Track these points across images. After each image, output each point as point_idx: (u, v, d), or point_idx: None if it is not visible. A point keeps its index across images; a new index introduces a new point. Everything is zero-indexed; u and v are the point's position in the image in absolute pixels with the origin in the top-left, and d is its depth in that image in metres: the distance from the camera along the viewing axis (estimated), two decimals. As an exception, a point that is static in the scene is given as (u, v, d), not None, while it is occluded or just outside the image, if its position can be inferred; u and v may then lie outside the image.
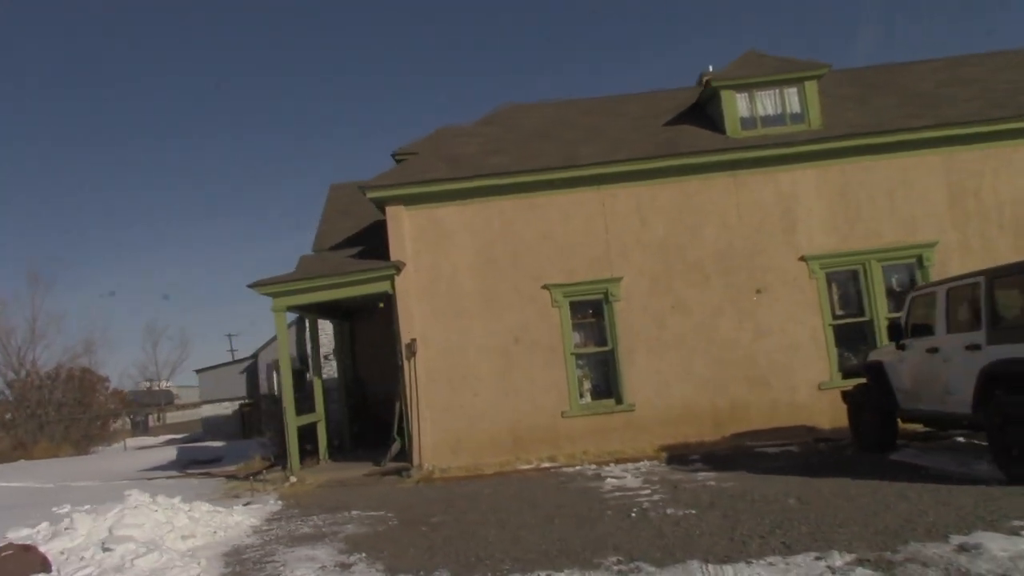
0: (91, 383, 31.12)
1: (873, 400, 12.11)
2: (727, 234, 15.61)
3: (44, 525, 10.43)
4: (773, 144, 15.56)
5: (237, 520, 10.62)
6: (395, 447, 15.62)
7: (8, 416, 28.89)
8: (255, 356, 35.84)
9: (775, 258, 15.56)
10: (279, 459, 19.29)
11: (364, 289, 15.72)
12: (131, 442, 34.60)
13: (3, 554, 8.07)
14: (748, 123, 15.96)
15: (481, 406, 15.34)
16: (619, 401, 15.43)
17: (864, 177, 15.65)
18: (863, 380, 12.68)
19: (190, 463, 23.04)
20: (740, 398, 15.32)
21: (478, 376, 15.41)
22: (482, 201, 15.67)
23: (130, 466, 23.25)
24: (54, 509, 12.03)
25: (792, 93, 15.94)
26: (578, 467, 13.78)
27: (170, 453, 25.59)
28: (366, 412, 20.80)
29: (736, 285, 15.52)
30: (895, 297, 15.52)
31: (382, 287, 15.63)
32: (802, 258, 15.53)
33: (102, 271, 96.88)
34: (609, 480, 12.06)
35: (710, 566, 6.79)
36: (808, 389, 15.34)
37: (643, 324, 15.47)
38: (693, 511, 9.12)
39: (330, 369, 32.34)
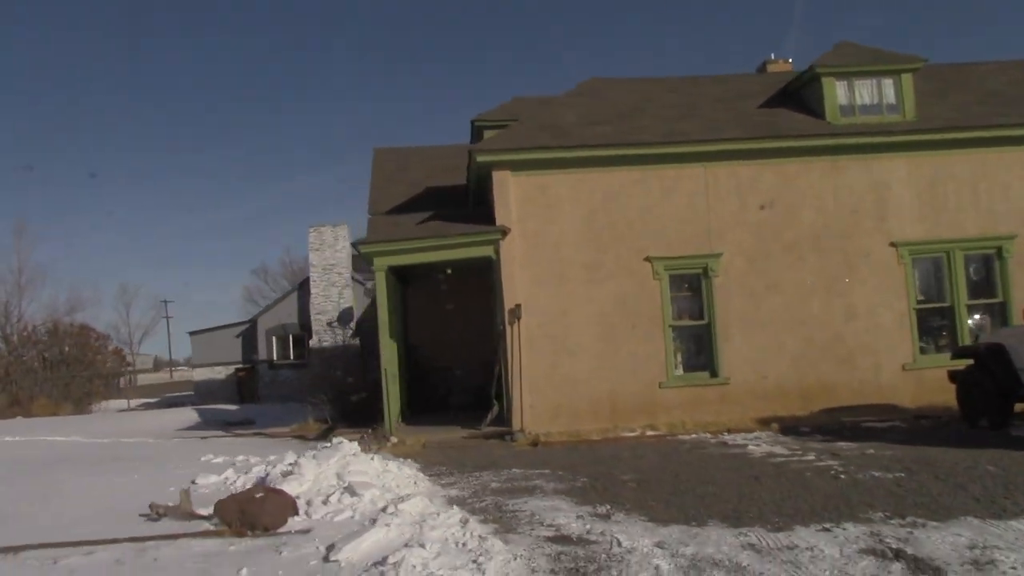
0: (89, 340, 30.06)
1: (991, 379, 12.69)
2: (823, 217, 16.08)
3: (230, 472, 10.28)
4: (872, 132, 16.08)
5: (409, 473, 10.57)
6: (494, 411, 15.66)
7: (5, 374, 27.68)
8: (253, 321, 35.14)
9: (867, 243, 16.11)
10: (337, 421, 19.14)
11: (467, 252, 15.69)
12: (114, 404, 33.64)
13: (258, 495, 7.95)
14: (847, 111, 16.44)
15: (581, 373, 15.52)
16: (713, 374, 15.79)
17: (951, 169, 16.30)
18: (966, 360, 13.27)
19: (224, 424, 22.59)
20: (828, 376, 15.85)
21: (579, 343, 15.57)
22: (586, 171, 15.78)
23: (159, 425, 22.69)
24: (203, 458, 11.79)
25: (888, 84, 16.46)
26: (692, 435, 14.11)
27: (188, 415, 25.00)
28: (420, 379, 20.67)
29: (828, 267, 16.02)
30: (973, 285, 16.25)
31: (485, 251, 15.63)
32: (892, 244, 16.12)
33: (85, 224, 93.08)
34: (750, 447, 12.40)
35: (987, 522, 7.13)
36: (892, 369, 15.96)
37: (739, 300, 15.85)
38: (893, 474, 9.49)
39: (333, 336, 32.11)
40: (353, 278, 33.15)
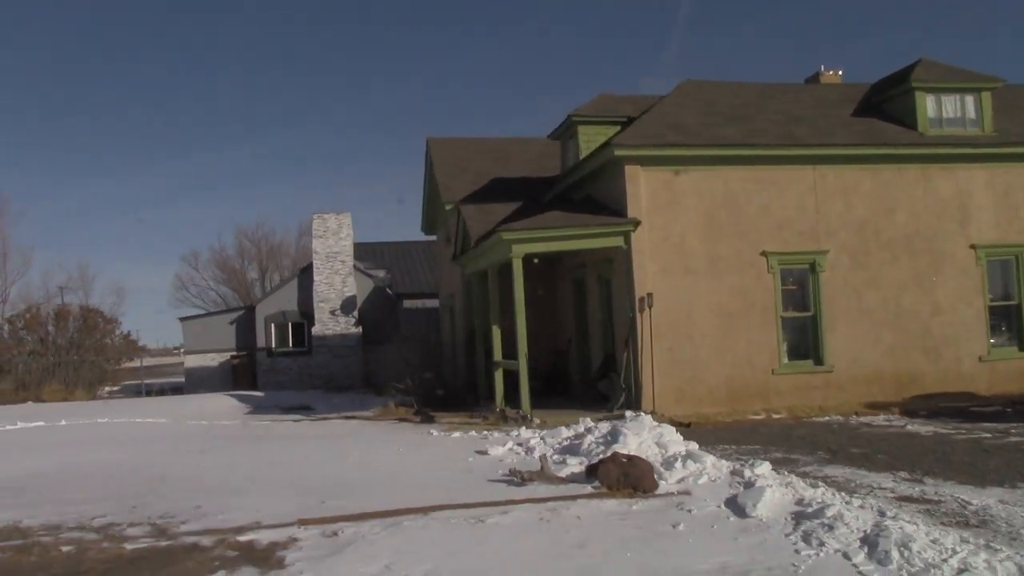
0: (97, 324, 28.83)
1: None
2: (914, 220, 17.51)
3: (500, 449, 10.70)
4: (957, 143, 17.61)
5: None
6: (623, 395, 16.36)
7: (7, 356, 26.26)
8: (251, 308, 34.42)
9: (950, 244, 17.63)
10: (424, 406, 19.38)
11: (599, 242, 16.35)
12: (110, 389, 32.27)
13: (623, 460, 8.52)
14: (935, 123, 17.91)
15: (702, 359, 16.43)
16: (818, 362, 16.98)
17: (1023, 180, 18.03)
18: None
19: (281, 410, 22.38)
20: (917, 365, 17.29)
21: (701, 331, 16.47)
22: (709, 169, 16.69)
23: (211, 410, 22.31)
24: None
25: (970, 100, 18.03)
26: (824, 418, 15.30)
27: (225, 401, 24.54)
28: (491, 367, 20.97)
29: (918, 266, 17.46)
30: (1036, 286, 18.04)
31: (615, 242, 16.33)
32: (972, 246, 17.70)
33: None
34: (908, 428, 13.62)
35: None
36: (971, 360, 17.54)
37: (843, 294, 17.10)
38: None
39: (336, 324, 32.03)
40: (356, 267, 33.05)
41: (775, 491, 7.97)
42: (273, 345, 33.04)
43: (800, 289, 17.17)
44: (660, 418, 15.21)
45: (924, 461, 10.30)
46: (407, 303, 31.87)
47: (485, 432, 14.11)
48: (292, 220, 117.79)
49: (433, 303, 31.52)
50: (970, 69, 18.48)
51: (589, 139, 19.39)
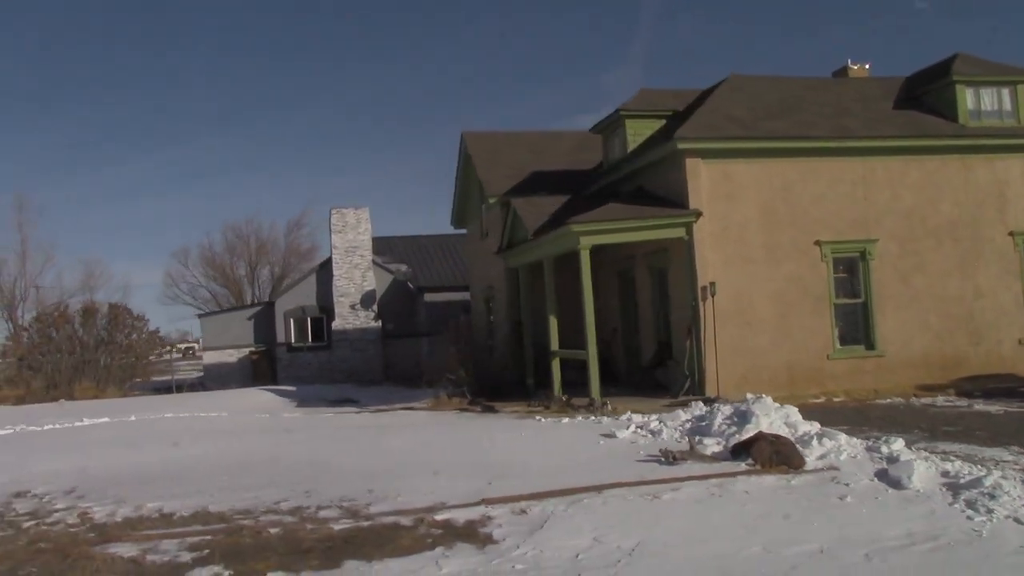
0: (125, 321, 28.74)
1: None
2: (956, 209, 18.18)
3: (626, 432, 11.14)
4: (996, 135, 18.30)
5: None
6: (688, 382, 16.86)
7: (37, 355, 26.11)
8: (269, 303, 34.51)
9: (990, 232, 18.33)
10: (479, 396, 19.73)
11: (661, 233, 16.83)
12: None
13: (768, 438, 9.00)
14: (974, 115, 18.59)
15: (762, 345, 16.99)
16: (870, 347, 17.61)
17: (1057, 169, 18.77)
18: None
19: (326, 403, 22.64)
20: (961, 348, 17.99)
21: (760, 318, 17.03)
22: (765, 161, 17.24)
23: (254, 404, 22.53)
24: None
25: (1006, 93, 18.73)
26: (886, 400, 15.96)
27: (263, 396, 24.71)
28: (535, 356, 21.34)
29: (961, 252, 18.14)
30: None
31: (677, 233, 16.81)
32: (1010, 233, 18.41)
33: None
34: (976, 407, 14.26)
35: None
36: (1011, 343, 18.27)
37: (892, 281, 17.74)
38: None
39: (355, 319, 32.28)
40: (374, 261, 33.28)
41: (921, 464, 8.48)
42: (292, 340, 33.18)
43: (850, 276, 17.78)
44: (727, 401, 15.79)
45: (1021, 437, 10.90)
46: (428, 296, 32.15)
47: (579, 418, 14.50)
48: (280, 216, 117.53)
49: (454, 296, 31.86)
50: (1006, 64, 19.18)
51: (636, 133, 19.83)
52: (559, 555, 6.68)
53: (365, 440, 12.81)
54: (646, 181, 18.62)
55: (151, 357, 31.36)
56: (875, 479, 8.39)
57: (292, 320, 33.36)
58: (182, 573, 6.60)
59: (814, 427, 9.93)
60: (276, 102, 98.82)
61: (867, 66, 23.14)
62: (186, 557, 6.95)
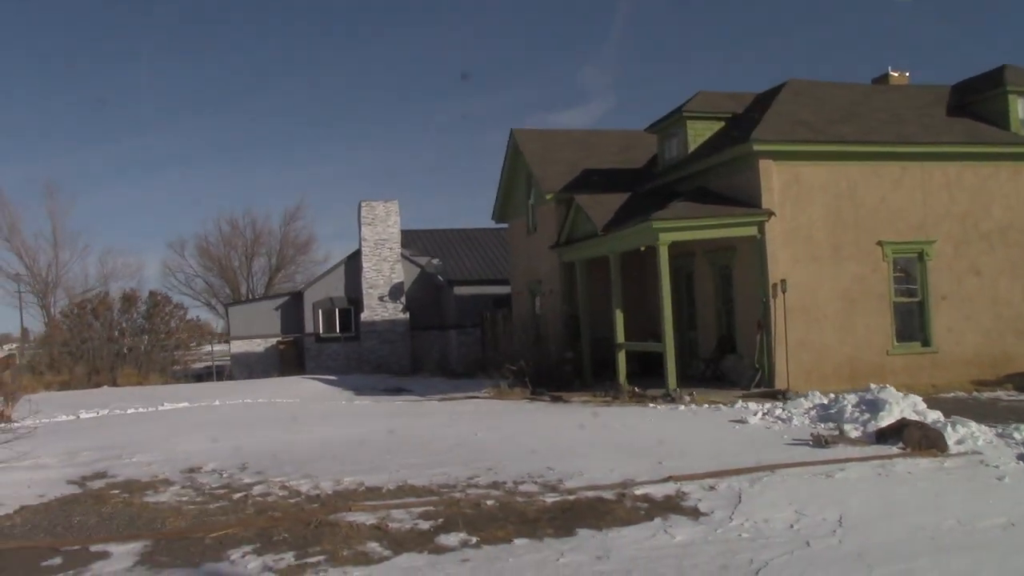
0: (164, 309, 28.91)
1: None
2: (1009, 213, 19.02)
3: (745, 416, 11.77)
4: (1047, 143, 19.18)
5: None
6: (759, 375, 17.53)
7: (78, 341, 26.22)
8: (297, 294, 34.76)
9: (1038, 236, 19.21)
10: (541, 386, 20.22)
11: (735, 231, 17.49)
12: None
13: (914, 424, 9.66)
14: (1023, 123, 19.45)
15: (827, 341, 17.71)
16: (925, 344, 18.40)
17: (1099, 177, 19.65)
18: None
19: (381, 391, 23.09)
20: (1010, 347, 18.83)
21: (825, 315, 17.74)
22: (832, 164, 17.94)
23: (310, 393, 22.93)
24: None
25: (1054, 103, 19.57)
26: (950, 394, 16.70)
27: (309, 385, 25.08)
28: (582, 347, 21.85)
29: (1012, 255, 18.97)
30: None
31: (749, 231, 17.47)
32: (1058, 238, 19.30)
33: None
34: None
35: None
36: (1055, 342, 19.17)
37: (947, 281, 18.53)
38: None
39: (384, 310, 32.68)
40: (402, 255, 33.70)
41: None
42: (321, 331, 33.53)
43: (908, 276, 18.55)
44: (796, 395, 16.50)
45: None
46: (457, 290, 32.61)
47: (669, 407, 15.21)
48: (275, 207, 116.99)
49: (484, 289, 32.35)
50: (1053, 74, 20.04)
51: (696, 134, 20.47)
52: (773, 526, 7.29)
53: (488, 423, 13.35)
54: (709, 181, 19.23)
55: (192, 345, 31.56)
56: (1021, 463, 9.07)
57: (320, 311, 33.68)
58: (431, 539, 7.13)
59: (939, 415, 10.62)
60: (265, 92, 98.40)
61: (907, 73, 23.95)
62: (424, 525, 7.47)
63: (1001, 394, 16.52)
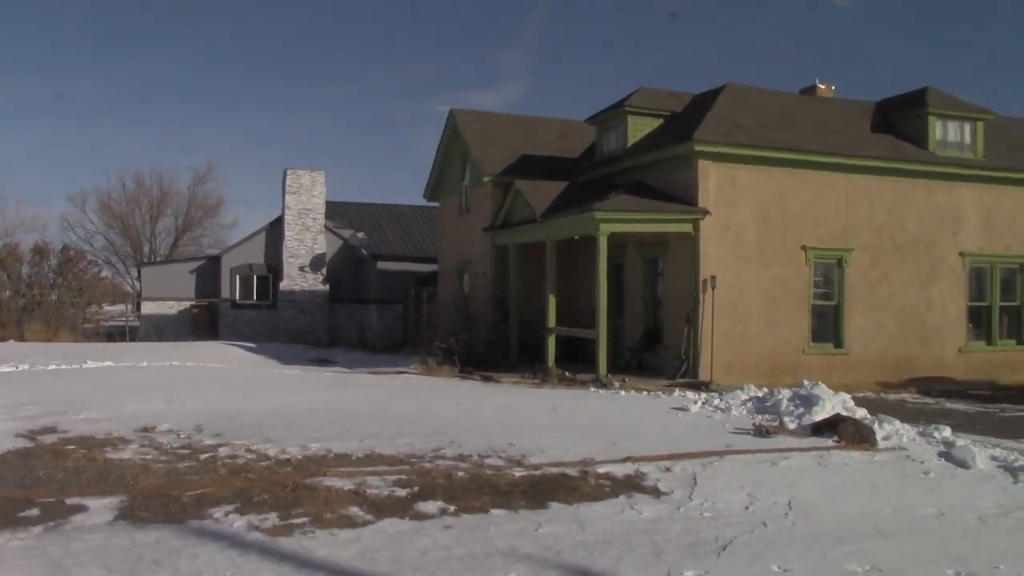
0: (78, 265, 27.71)
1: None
2: (921, 228, 20.29)
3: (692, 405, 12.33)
4: (958, 164, 20.48)
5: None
6: (684, 366, 18.24)
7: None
8: (214, 258, 33.93)
9: (944, 251, 20.54)
10: (469, 365, 20.51)
11: (671, 227, 18.14)
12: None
13: (843, 422, 10.39)
14: (940, 145, 20.69)
15: (749, 337, 18.59)
16: (838, 345, 19.53)
17: (1006, 201, 21.11)
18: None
19: (306, 361, 22.93)
20: (912, 352, 20.16)
21: (749, 312, 18.61)
22: (765, 169, 18.78)
23: (236, 358, 22.63)
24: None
25: (967, 128, 20.93)
26: (861, 393, 17.69)
27: (232, 351, 24.70)
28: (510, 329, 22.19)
29: (920, 267, 20.28)
30: (1004, 289, 21.29)
31: (685, 228, 18.16)
32: (960, 253, 20.68)
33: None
34: (946, 404, 16.22)
35: None
36: (952, 351, 20.60)
37: (861, 287, 19.68)
38: None
39: (304, 281, 32.42)
40: (325, 226, 33.39)
41: (977, 448, 10.03)
42: (237, 297, 32.95)
43: (826, 281, 19.60)
44: (719, 387, 17.30)
45: (1012, 429, 12.72)
46: (380, 264, 32.53)
47: (602, 391, 15.72)
48: (182, 166, 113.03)
49: (407, 266, 32.40)
50: (970, 101, 21.42)
51: (636, 129, 21.04)
52: (730, 507, 7.78)
53: (434, 398, 13.57)
54: (647, 176, 19.82)
55: (106, 304, 30.51)
56: (942, 459, 9.86)
57: (238, 277, 33.12)
58: (410, 506, 7.35)
59: (865, 412, 11.41)
60: (176, 41, 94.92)
61: (833, 87, 25.10)
62: (401, 492, 7.68)
63: (906, 396, 17.68)
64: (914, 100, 21.29)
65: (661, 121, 21.20)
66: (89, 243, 60.57)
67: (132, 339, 29.27)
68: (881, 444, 10.25)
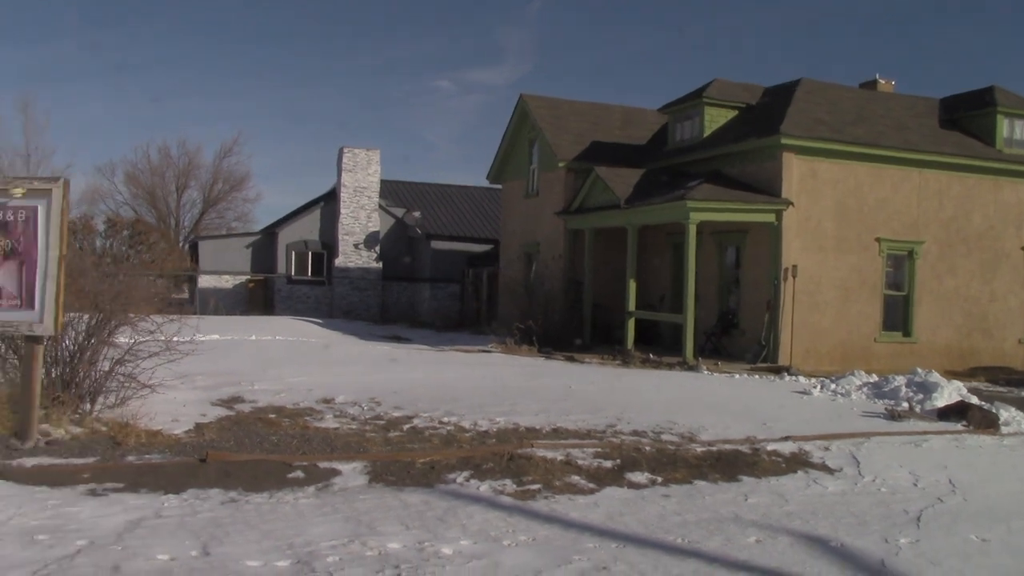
0: (149, 236, 28.31)
1: None
2: (986, 222, 21.01)
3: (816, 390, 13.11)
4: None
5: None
6: (764, 351, 19.01)
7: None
8: (270, 232, 34.57)
9: (1008, 245, 21.27)
10: (546, 346, 21.25)
11: (756, 216, 18.86)
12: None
13: (974, 405, 11.16)
14: (1008, 142, 21.37)
15: (825, 324, 19.36)
16: (907, 334, 20.30)
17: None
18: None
19: (379, 338, 23.68)
20: (975, 342, 20.95)
21: (825, 300, 19.37)
22: (844, 162, 19.46)
23: (310, 334, 23.37)
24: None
25: (1033, 125, 21.62)
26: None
27: (307, 326, 25.44)
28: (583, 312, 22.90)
29: (984, 260, 21.01)
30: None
31: (768, 218, 18.87)
32: (1022, 248, 21.41)
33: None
34: (1021, 392, 17.01)
35: None
36: (1012, 342, 21.38)
37: (929, 279, 20.43)
38: None
39: (358, 258, 33.13)
40: (380, 205, 34.05)
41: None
42: (292, 272, 33.67)
43: (896, 271, 20.35)
44: (798, 371, 18.09)
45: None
46: (434, 244, 33.21)
47: (740, 375, 16.53)
48: (210, 141, 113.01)
49: (460, 246, 33.12)
50: (1033, 99, 22.07)
51: (712, 119, 21.70)
52: (899, 484, 8.55)
53: (557, 376, 14.37)
54: (725, 166, 20.50)
55: (177, 276, 31.21)
56: (1064, 442, 10.65)
57: (294, 253, 33.83)
58: (621, 475, 8.15)
59: (976, 399, 12.19)
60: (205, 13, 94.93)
61: (892, 82, 25.73)
62: (607, 464, 8.46)
63: (978, 385, 18.42)
64: (981, 98, 21.93)
65: (736, 112, 21.85)
66: (119, 215, 61.24)
67: (203, 313, 29.90)
68: (1003, 429, 11.02)
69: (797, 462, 9.04)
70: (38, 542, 5.65)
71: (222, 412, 10.00)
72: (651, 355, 19.21)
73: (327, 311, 33.03)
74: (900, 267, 20.38)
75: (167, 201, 62.54)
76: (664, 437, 9.69)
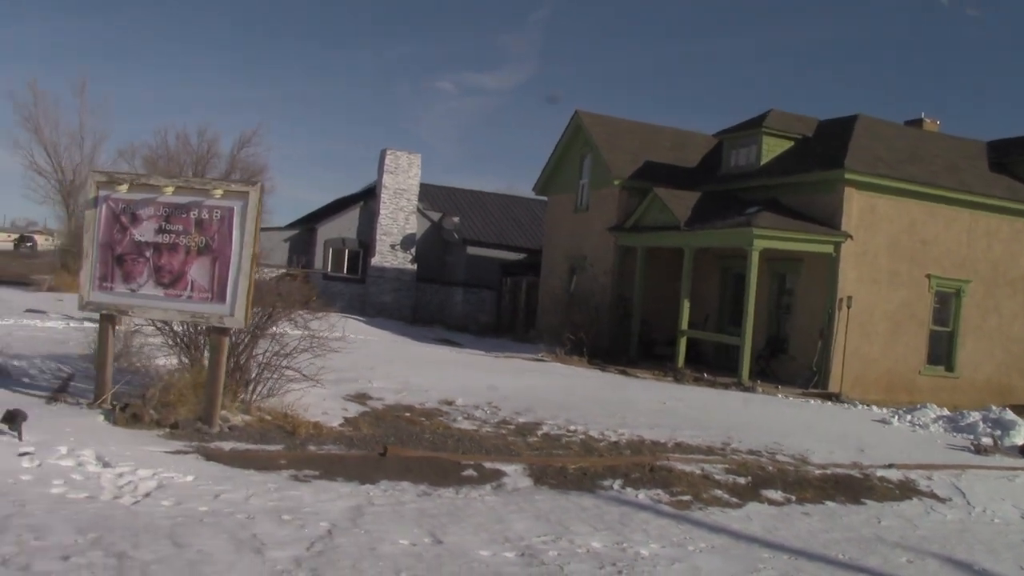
0: None
1: None
2: (1032, 264, 21.74)
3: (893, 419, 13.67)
4: (1069, 208, 21.92)
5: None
6: (816, 377, 19.63)
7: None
8: (311, 228, 35.04)
9: (1050, 288, 22.00)
10: (595, 358, 21.82)
11: (816, 247, 19.49)
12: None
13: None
14: (1055, 187, 22.11)
15: (874, 355, 20.00)
16: (949, 369, 20.96)
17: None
18: None
19: (431, 340, 24.19)
20: (1012, 380, 21.62)
21: (876, 331, 20.01)
22: (900, 199, 20.12)
23: (362, 332, 23.83)
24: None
25: (1078, 170, 22.34)
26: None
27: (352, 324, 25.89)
28: (629, 328, 23.49)
29: (1028, 301, 21.74)
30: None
31: (827, 249, 19.50)
32: (1066, 291, 22.15)
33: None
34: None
35: None
36: (1049, 382, 22.10)
37: (974, 316, 21.11)
38: None
39: (394, 259, 33.63)
40: (418, 208, 34.58)
41: None
42: (329, 269, 34.16)
43: (943, 308, 21.01)
44: (848, 398, 18.72)
45: None
46: (471, 250, 33.76)
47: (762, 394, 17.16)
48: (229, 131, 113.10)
49: (493, 253, 33.68)
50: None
51: (769, 149, 22.35)
52: (1008, 515, 9.15)
53: (641, 391, 14.92)
54: (782, 195, 21.13)
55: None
56: None
57: (331, 249, 34.32)
58: (757, 492, 8.73)
59: None
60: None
61: (937, 121, 26.42)
62: (741, 480, 9.03)
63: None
64: (1029, 143, 22.67)
65: (792, 143, 22.50)
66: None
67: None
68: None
69: (907, 489, 9.62)
70: (286, 522, 6.17)
71: (359, 408, 10.53)
72: (705, 374, 19.80)
73: (360, 308, 33.45)
74: (947, 304, 21.04)
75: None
76: (779, 458, 10.27)
